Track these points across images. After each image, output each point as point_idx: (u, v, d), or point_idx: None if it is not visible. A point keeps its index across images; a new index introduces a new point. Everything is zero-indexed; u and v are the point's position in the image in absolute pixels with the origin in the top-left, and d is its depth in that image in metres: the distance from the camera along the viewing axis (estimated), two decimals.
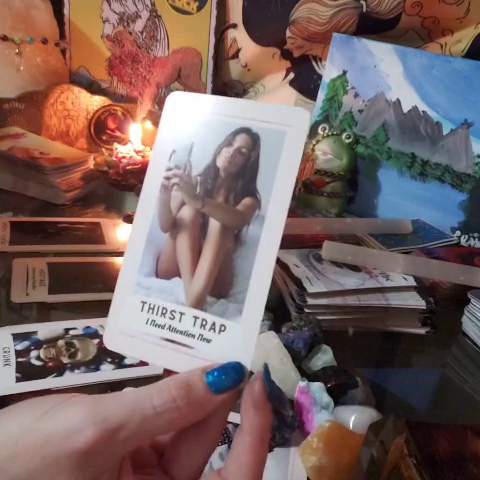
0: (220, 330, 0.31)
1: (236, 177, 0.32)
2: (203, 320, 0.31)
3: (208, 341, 0.31)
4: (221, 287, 0.31)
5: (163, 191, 0.33)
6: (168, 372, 0.31)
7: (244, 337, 0.30)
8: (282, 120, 0.32)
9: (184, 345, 0.31)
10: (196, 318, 0.31)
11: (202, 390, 0.28)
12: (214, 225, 0.32)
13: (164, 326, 0.32)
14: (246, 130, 0.32)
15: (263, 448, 0.29)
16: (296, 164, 0.31)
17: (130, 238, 0.34)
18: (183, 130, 0.33)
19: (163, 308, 0.32)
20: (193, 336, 0.31)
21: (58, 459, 0.26)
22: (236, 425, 0.47)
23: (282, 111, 0.32)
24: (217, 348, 0.30)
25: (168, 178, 0.33)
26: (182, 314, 0.31)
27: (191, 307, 0.31)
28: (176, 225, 0.33)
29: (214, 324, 0.31)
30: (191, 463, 0.30)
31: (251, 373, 0.30)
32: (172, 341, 0.31)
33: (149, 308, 0.32)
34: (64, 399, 0.28)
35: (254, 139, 0.32)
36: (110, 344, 0.33)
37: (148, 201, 0.33)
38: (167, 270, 0.33)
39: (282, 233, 0.31)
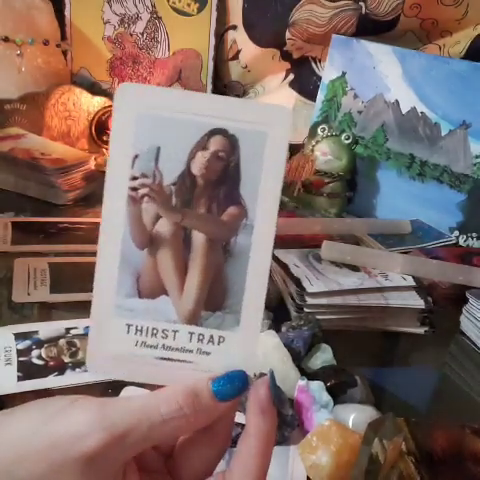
0: (219, 342, 0.30)
1: (217, 185, 0.29)
2: (200, 335, 0.30)
3: (207, 354, 0.30)
4: (215, 300, 0.30)
5: (131, 204, 0.29)
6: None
7: (244, 345, 0.30)
8: (262, 119, 0.28)
9: (182, 361, 0.30)
10: (192, 334, 0.30)
11: (208, 398, 0.29)
12: (198, 238, 0.30)
13: (157, 346, 0.30)
14: (222, 131, 0.29)
15: (268, 451, 0.29)
16: (281, 167, 0.29)
17: (99, 257, 0.30)
18: (144, 131, 0.29)
19: (153, 328, 0.30)
20: (191, 351, 0.30)
21: (64, 464, 0.26)
22: (238, 424, 0.47)
23: (261, 109, 0.29)
24: (218, 359, 0.30)
25: (135, 189, 0.29)
26: (175, 332, 0.30)
27: (185, 323, 0.30)
28: (153, 241, 0.30)
29: (212, 337, 0.30)
30: (201, 468, 0.30)
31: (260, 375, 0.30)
32: (168, 359, 0.30)
33: (136, 330, 0.30)
34: (70, 401, 0.28)
35: (232, 142, 0.29)
36: (95, 369, 0.31)
37: (113, 215, 0.29)
38: (151, 289, 0.31)
39: (273, 239, 0.29)
